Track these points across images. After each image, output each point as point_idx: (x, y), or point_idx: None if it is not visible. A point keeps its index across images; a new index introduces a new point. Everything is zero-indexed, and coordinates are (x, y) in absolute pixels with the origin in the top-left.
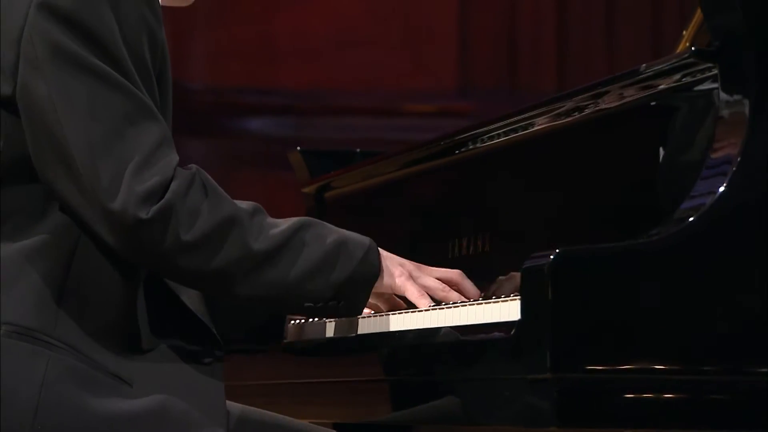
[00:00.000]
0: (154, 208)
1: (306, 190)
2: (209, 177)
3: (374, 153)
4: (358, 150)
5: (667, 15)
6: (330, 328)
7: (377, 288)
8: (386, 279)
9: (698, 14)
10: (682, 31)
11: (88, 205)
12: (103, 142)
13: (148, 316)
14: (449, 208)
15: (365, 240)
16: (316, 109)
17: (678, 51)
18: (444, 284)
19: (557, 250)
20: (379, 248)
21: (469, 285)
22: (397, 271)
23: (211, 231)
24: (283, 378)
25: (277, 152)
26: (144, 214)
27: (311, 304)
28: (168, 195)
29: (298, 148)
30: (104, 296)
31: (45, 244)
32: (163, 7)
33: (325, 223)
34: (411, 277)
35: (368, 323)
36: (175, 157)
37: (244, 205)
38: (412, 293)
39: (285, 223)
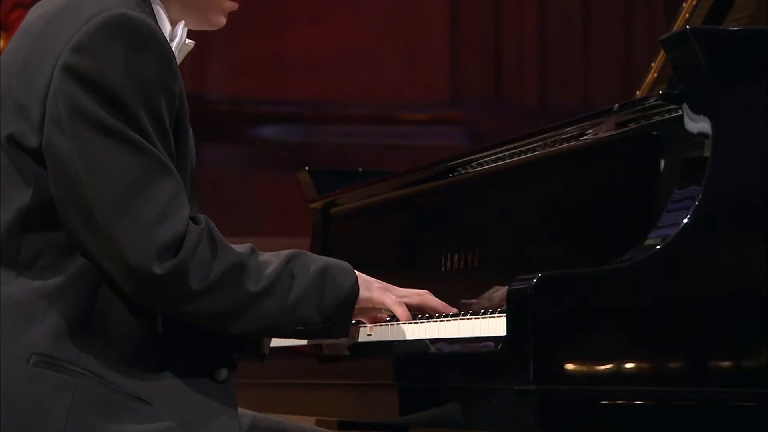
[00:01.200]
0: (168, 264)
1: (313, 205)
2: (215, 228)
3: (374, 172)
4: (359, 169)
5: (636, 34)
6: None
7: (358, 304)
8: (365, 293)
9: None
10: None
11: (107, 257)
12: (120, 200)
13: (167, 340)
14: (442, 226)
15: (345, 265)
16: (322, 117)
17: (647, 80)
18: (416, 291)
19: (539, 274)
20: (355, 270)
21: (434, 302)
22: (373, 286)
23: (218, 280)
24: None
25: (287, 156)
26: (159, 270)
27: (302, 328)
28: (181, 252)
29: (306, 168)
30: (126, 326)
31: (72, 281)
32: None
33: (308, 252)
34: (386, 290)
35: (375, 332)
36: (186, 211)
37: (241, 249)
38: (391, 301)
39: (276, 259)
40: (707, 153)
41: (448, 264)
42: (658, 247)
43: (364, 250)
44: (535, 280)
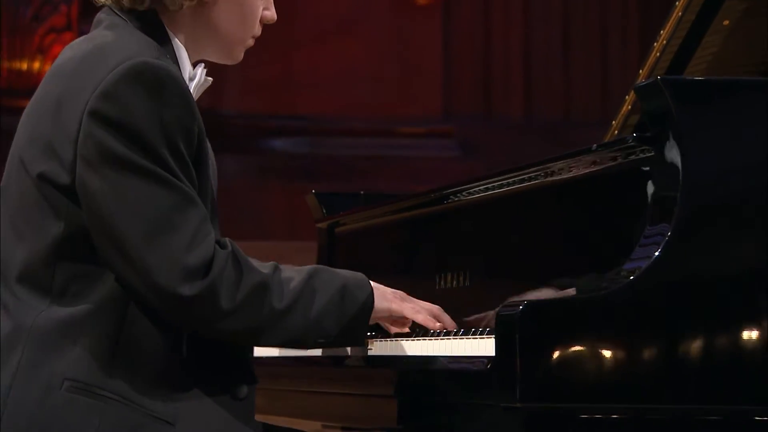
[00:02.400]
0: (198, 285)
1: (319, 225)
2: (239, 250)
3: (375, 194)
4: (361, 192)
5: (611, 55)
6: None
7: (376, 313)
8: (384, 304)
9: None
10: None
11: (141, 285)
12: (149, 231)
13: (190, 362)
14: (437, 248)
15: (361, 278)
16: (327, 131)
17: (622, 111)
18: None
19: (525, 302)
20: (372, 282)
21: (447, 319)
22: (390, 296)
23: (245, 299)
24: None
25: (295, 166)
26: (189, 292)
27: (323, 341)
28: (210, 275)
29: (313, 191)
30: (151, 350)
31: (100, 308)
32: None
33: (327, 268)
34: (404, 299)
35: (376, 346)
36: (212, 237)
37: (265, 269)
38: (410, 310)
39: (298, 276)
40: (677, 192)
41: (442, 282)
42: (631, 277)
43: (366, 267)
44: (521, 307)
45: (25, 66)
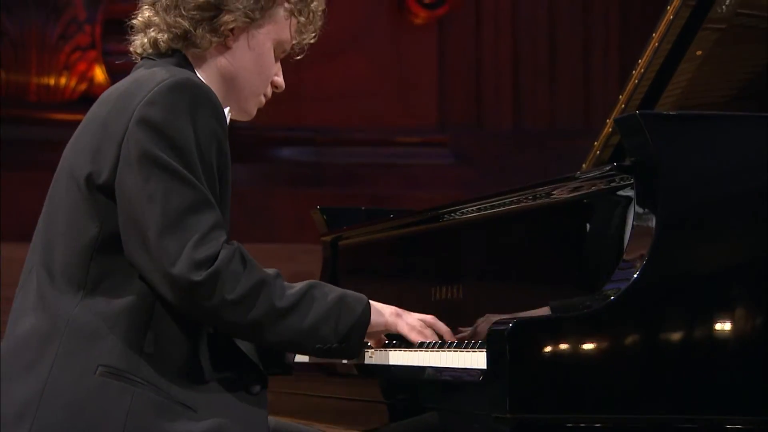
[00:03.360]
0: (205, 273)
1: (324, 239)
2: (245, 250)
3: (376, 210)
4: (362, 208)
5: (593, 70)
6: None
7: (371, 328)
8: (380, 319)
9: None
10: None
11: (155, 271)
12: (170, 223)
13: (210, 356)
14: (432, 262)
15: (359, 295)
16: (331, 141)
17: (604, 132)
18: (423, 323)
19: (514, 319)
20: (370, 300)
21: (441, 326)
22: (387, 312)
23: (248, 292)
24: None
25: (302, 174)
26: (197, 277)
27: (321, 347)
28: (216, 263)
29: (318, 207)
30: (176, 342)
31: (132, 302)
32: None
33: (326, 283)
34: (399, 315)
35: (373, 356)
36: (223, 237)
37: (269, 271)
38: (403, 327)
39: (298, 285)
40: (654, 218)
41: (437, 294)
42: (612, 297)
43: (366, 278)
44: (510, 324)
45: (52, 81)
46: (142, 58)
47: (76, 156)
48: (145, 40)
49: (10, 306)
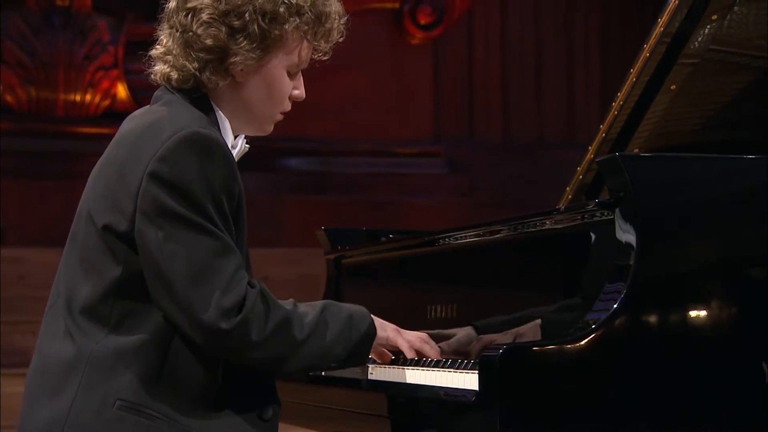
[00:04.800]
0: (233, 320)
1: (328, 257)
2: (267, 290)
3: (376, 230)
4: (363, 228)
5: (577, 85)
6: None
7: (377, 341)
8: (383, 333)
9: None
10: (588, 98)
11: (185, 320)
12: (195, 274)
13: (224, 387)
14: (429, 283)
15: (364, 311)
16: (335, 151)
17: (586, 158)
18: (419, 341)
19: (505, 346)
20: (372, 315)
21: (431, 346)
22: (389, 328)
23: (272, 332)
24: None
25: (307, 182)
26: (226, 326)
27: (335, 364)
28: (243, 311)
29: (323, 227)
30: (192, 376)
31: (149, 340)
32: None
33: (335, 302)
34: (398, 332)
35: (378, 372)
36: (245, 280)
37: (287, 305)
38: (402, 344)
39: (312, 310)
40: (632, 253)
41: (433, 313)
42: (593, 326)
43: (367, 295)
44: (501, 351)
45: (78, 98)
46: (160, 86)
47: (96, 201)
48: (165, 70)
49: (33, 305)
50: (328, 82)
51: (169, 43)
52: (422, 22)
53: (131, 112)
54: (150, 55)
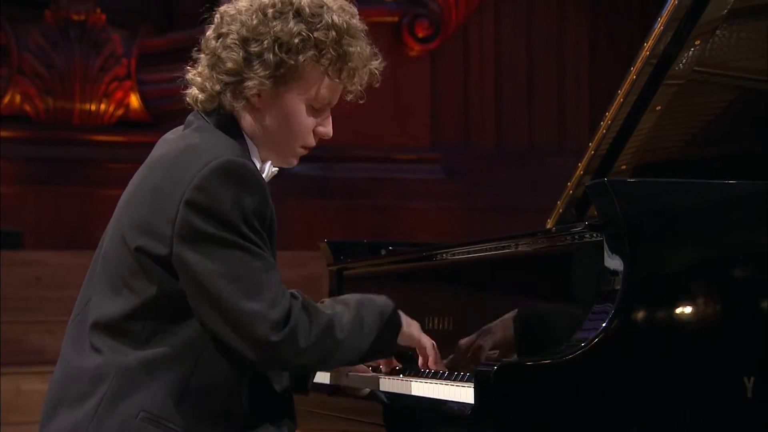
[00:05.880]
0: (282, 332)
1: (331, 268)
2: (307, 298)
3: (376, 243)
4: (365, 240)
5: (568, 97)
6: (356, 380)
7: (401, 336)
8: (407, 329)
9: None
10: (577, 109)
11: (236, 335)
12: (243, 292)
13: (245, 401)
14: (426, 295)
15: (392, 305)
16: (337, 158)
17: (576, 174)
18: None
19: (499, 362)
20: (398, 310)
21: (438, 358)
22: (413, 325)
23: (317, 338)
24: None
25: (311, 187)
26: (276, 338)
27: (366, 357)
28: (290, 322)
29: (326, 240)
30: (216, 390)
31: (176, 354)
32: None
33: (366, 297)
34: (419, 329)
35: (384, 383)
36: (288, 293)
37: (327, 309)
38: (427, 342)
39: (347, 310)
40: (621, 271)
41: (430, 324)
42: (582, 345)
43: None
44: (495, 367)
45: (93, 107)
46: (192, 111)
47: (131, 225)
48: (194, 92)
49: (49, 306)
50: None
51: (201, 67)
52: (420, 35)
53: (143, 120)
54: (185, 78)
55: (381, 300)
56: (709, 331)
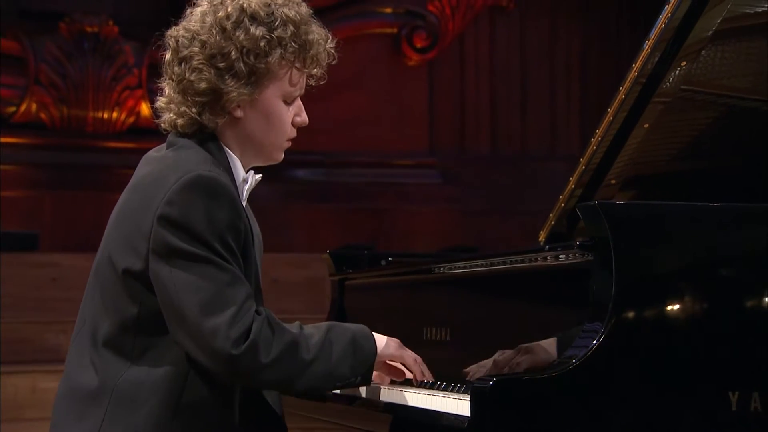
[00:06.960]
0: (242, 346)
1: (332, 278)
2: (273, 316)
3: (377, 254)
4: (365, 251)
5: (559, 105)
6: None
7: (379, 358)
8: (386, 351)
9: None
10: (569, 115)
11: (198, 349)
12: (205, 306)
13: (237, 416)
14: (424, 307)
15: (366, 331)
16: (338, 163)
17: (569, 186)
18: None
19: (495, 377)
20: (374, 333)
21: (424, 368)
22: (391, 344)
23: (280, 354)
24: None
25: (314, 191)
26: (236, 351)
27: (340, 383)
28: (251, 336)
29: (328, 251)
30: (207, 405)
31: (168, 372)
32: None
33: (338, 324)
34: (402, 348)
35: (384, 394)
36: (254, 307)
37: (293, 328)
38: (409, 358)
39: (317, 332)
40: (610, 293)
41: (428, 335)
42: (574, 361)
43: (368, 314)
44: (491, 383)
45: (106, 115)
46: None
47: (117, 245)
48: (171, 117)
49: (65, 306)
50: (333, 100)
51: (170, 93)
52: (418, 45)
53: (154, 128)
54: (157, 107)
55: (354, 326)
56: (695, 349)
